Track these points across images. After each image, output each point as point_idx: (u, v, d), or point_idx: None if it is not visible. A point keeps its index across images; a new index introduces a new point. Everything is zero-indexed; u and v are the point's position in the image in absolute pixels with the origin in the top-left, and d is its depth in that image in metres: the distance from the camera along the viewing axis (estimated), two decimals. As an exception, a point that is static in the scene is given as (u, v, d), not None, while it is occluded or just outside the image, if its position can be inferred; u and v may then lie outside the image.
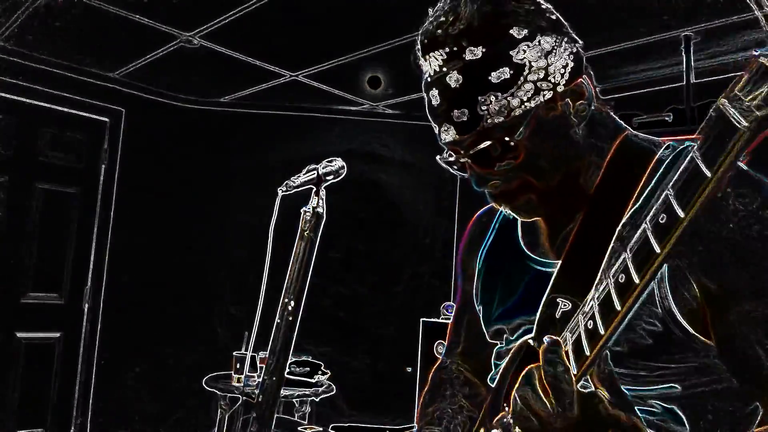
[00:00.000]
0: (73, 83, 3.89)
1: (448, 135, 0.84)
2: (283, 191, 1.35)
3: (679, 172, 0.60)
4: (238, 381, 3.44)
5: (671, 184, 0.61)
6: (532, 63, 0.80)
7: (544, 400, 0.67)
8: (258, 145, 4.43)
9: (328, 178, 1.37)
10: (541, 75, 0.81)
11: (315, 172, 1.37)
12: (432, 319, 4.03)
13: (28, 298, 3.81)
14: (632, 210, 0.79)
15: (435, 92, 0.84)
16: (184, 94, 4.36)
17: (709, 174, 0.57)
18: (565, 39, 0.84)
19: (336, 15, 3.02)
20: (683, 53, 3.07)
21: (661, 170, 0.80)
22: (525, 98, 0.80)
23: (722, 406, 0.79)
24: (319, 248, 1.34)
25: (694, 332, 0.77)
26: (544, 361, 0.67)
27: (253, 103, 4.43)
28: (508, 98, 0.79)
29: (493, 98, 0.79)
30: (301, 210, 1.34)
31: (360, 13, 2.98)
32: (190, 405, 4.06)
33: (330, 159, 1.40)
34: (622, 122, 0.93)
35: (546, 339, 0.69)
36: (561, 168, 0.86)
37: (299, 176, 1.37)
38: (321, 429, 2.65)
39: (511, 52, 0.80)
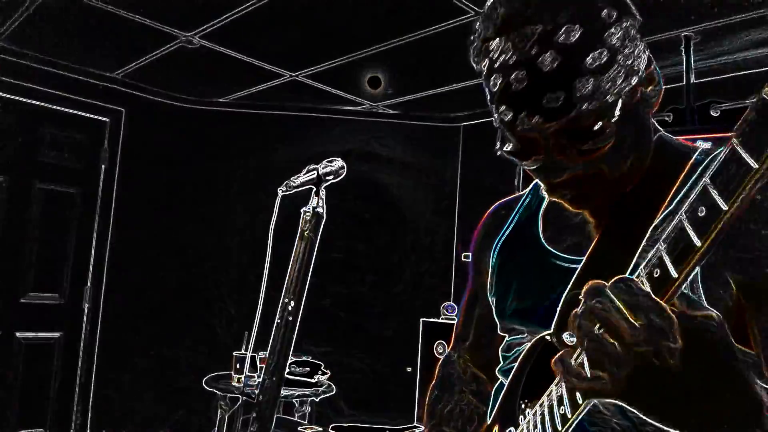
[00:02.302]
0: (73, 83, 3.89)
1: (530, 122, 0.77)
2: (283, 191, 1.35)
3: (718, 163, 0.56)
4: (238, 381, 3.44)
5: (710, 175, 0.57)
6: (623, 47, 0.77)
7: (625, 313, 0.60)
8: (258, 145, 4.43)
9: (328, 178, 1.38)
10: (629, 60, 0.78)
11: (315, 172, 1.37)
12: (432, 319, 4.03)
13: (28, 298, 3.81)
14: (665, 212, 0.78)
15: (520, 75, 0.76)
16: (184, 94, 4.36)
17: (755, 165, 0.52)
18: (638, 22, 0.80)
19: (336, 15, 3.02)
20: (683, 53, 3.07)
21: (696, 174, 0.79)
22: (617, 83, 0.76)
23: None
24: (319, 248, 1.34)
25: None
26: (614, 282, 0.61)
27: (253, 103, 4.43)
28: (603, 83, 0.75)
29: (592, 81, 0.75)
30: (301, 210, 1.35)
31: (360, 13, 2.98)
32: (190, 405, 4.06)
33: (330, 159, 1.40)
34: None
35: (565, 336, 0.66)
36: (630, 157, 0.82)
37: (299, 176, 1.37)
38: (321, 429, 2.65)
39: (605, 34, 0.76)
